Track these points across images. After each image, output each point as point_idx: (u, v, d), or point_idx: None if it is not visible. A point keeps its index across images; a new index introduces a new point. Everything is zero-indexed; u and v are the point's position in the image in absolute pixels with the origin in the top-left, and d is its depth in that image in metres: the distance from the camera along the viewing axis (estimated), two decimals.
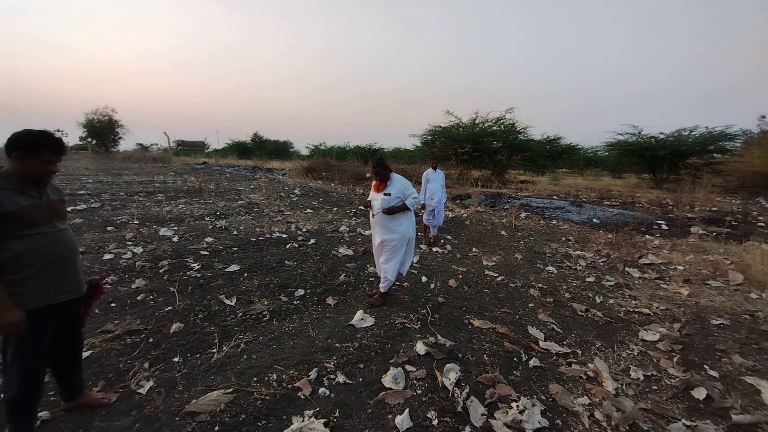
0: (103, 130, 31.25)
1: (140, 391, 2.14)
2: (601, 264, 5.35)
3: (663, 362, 2.80)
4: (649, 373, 2.65)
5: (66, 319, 1.80)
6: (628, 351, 2.97)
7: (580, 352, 2.91)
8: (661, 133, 15.61)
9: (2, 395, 1.88)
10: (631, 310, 3.76)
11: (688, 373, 2.63)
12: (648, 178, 17.53)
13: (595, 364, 2.68)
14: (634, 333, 3.29)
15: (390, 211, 3.37)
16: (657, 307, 3.81)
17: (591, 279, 4.68)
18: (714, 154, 14.94)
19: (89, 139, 31.38)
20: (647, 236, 6.97)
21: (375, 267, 3.86)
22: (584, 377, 2.56)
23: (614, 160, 19.48)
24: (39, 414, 1.84)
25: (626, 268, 5.11)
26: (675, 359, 2.82)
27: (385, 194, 3.41)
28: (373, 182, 3.56)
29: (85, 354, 2.35)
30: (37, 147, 1.60)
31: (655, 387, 2.51)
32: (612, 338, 3.18)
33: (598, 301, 4.00)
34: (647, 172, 17.10)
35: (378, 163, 3.43)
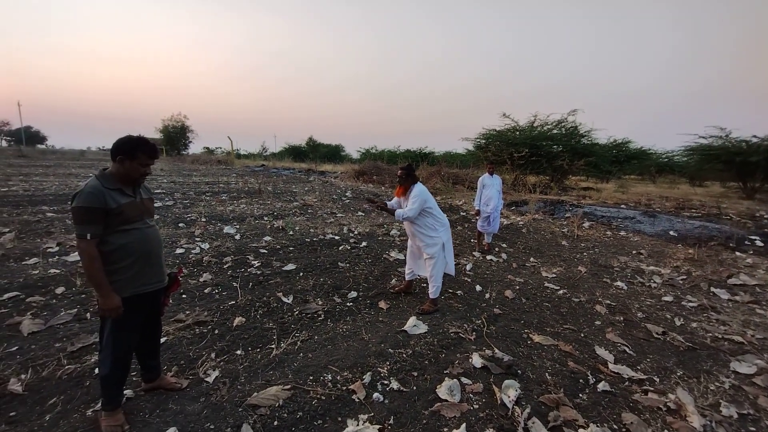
0: (176, 135, 34.54)
1: (207, 379, 2.28)
2: (681, 282, 4.79)
3: (762, 400, 2.42)
4: (745, 412, 2.31)
5: (151, 307, 1.98)
6: (717, 383, 2.61)
7: (657, 380, 2.62)
8: (755, 136, 13.71)
9: (97, 371, 2.11)
10: (720, 336, 3.32)
11: None
12: (736, 186, 15.49)
13: (677, 394, 2.39)
14: (724, 363, 2.89)
15: (381, 208, 3.51)
16: (752, 336, 3.32)
17: (668, 298, 4.21)
18: None
19: (164, 145, 34.84)
20: (737, 253, 6.14)
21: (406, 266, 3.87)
22: (664, 408, 2.28)
23: (695, 166, 17.46)
24: (125, 392, 2.04)
25: (712, 289, 4.53)
26: None
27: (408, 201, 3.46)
28: (397, 187, 3.61)
29: (161, 340, 2.57)
30: (136, 151, 1.79)
31: (753, 428, 2.17)
32: (696, 367, 2.82)
33: (677, 323, 3.58)
34: (735, 180, 15.11)
35: (403, 168, 3.51)
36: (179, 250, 4.79)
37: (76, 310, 3.09)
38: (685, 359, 2.93)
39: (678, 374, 2.70)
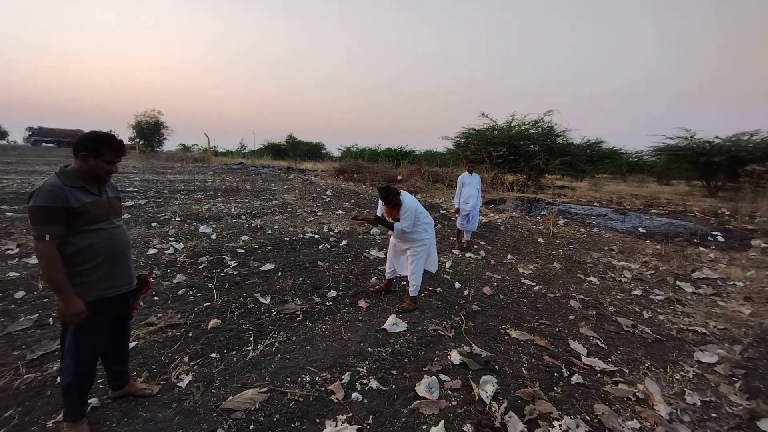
0: (150, 131, 33.30)
1: (180, 384, 2.20)
2: (649, 277, 5.00)
3: (723, 388, 2.55)
4: (708, 399, 2.43)
5: (118, 311, 1.89)
6: (682, 373, 2.74)
7: (627, 371, 2.72)
8: (717, 137, 14.45)
9: (59, 380, 2.00)
10: (685, 328, 3.48)
11: (752, 402, 2.38)
12: (700, 185, 16.29)
13: (645, 385, 2.48)
14: (689, 353, 3.03)
15: (376, 221, 3.46)
16: (714, 326, 3.50)
17: (638, 292, 4.38)
18: None
19: (137, 140, 33.50)
20: (701, 248, 6.46)
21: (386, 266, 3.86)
22: (633, 398, 2.37)
23: (663, 165, 18.24)
24: (90, 401, 1.94)
25: (677, 282, 4.74)
26: (737, 385, 2.57)
27: (403, 217, 3.40)
28: (385, 207, 3.50)
29: (130, 345, 2.46)
30: (101, 148, 1.70)
31: (714, 414, 2.29)
32: (663, 358, 2.94)
33: (646, 316, 3.73)
34: (699, 179, 15.88)
35: (384, 193, 3.36)
36: (152, 251, 4.62)
37: (37, 315, 2.93)
38: (652, 350, 3.05)
39: (646, 365, 2.81)
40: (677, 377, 2.67)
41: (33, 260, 4.04)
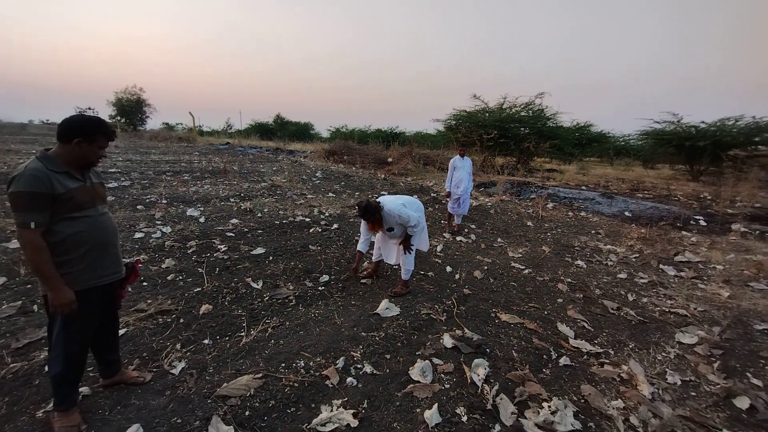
0: (131, 109, 32.06)
1: (173, 371, 2.19)
2: (634, 260, 5.13)
3: (702, 367, 2.67)
4: (687, 379, 2.53)
5: (107, 299, 1.84)
6: (663, 353, 2.85)
7: (612, 352, 2.81)
8: (703, 122, 14.66)
9: (47, 370, 1.96)
10: (667, 310, 3.60)
11: (729, 381, 2.49)
12: (683, 169, 16.63)
13: (629, 366, 2.57)
14: (670, 335, 3.15)
15: (409, 245, 3.42)
16: (695, 309, 3.63)
17: (623, 275, 4.50)
18: (759, 146, 13.96)
19: (118, 118, 32.27)
20: (684, 232, 6.64)
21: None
22: (618, 379, 2.47)
23: (649, 149, 18.51)
24: (80, 389, 1.92)
25: (661, 266, 4.88)
26: (715, 365, 2.68)
27: (388, 229, 3.40)
28: (366, 223, 3.46)
29: (120, 332, 2.43)
30: (96, 133, 1.64)
31: (693, 393, 2.40)
32: (646, 339, 3.05)
33: (630, 299, 3.84)
34: (684, 163, 16.19)
35: (363, 213, 3.27)
36: (138, 235, 4.52)
37: (20, 302, 2.85)
38: (636, 332, 3.16)
39: (630, 346, 2.92)
40: (659, 358, 2.78)
41: (13, 244, 3.91)
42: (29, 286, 3.12)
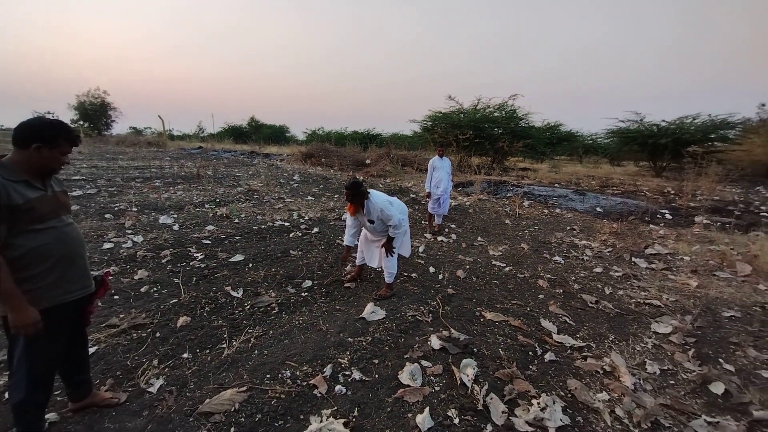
0: (95, 113, 30.55)
1: (150, 389, 2.07)
2: (608, 254, 5.31)
3: (678, 356, 2.78)
4: (666, 368, 2.63)
5: (75, 316, 1.71)
6: (642, 344, 2.95)
7: (594, 346, 2.89)
8: (663, 120, 15.48)
9: (7, 397, 1.80)
10: (642, 301, 3.74)
11: (704, 367, 2.61)
12: (648, 166, 17.47)
13: (611, 358, 2.65)
14: (647, 325, 3.26)
15: (390, 248, 3.39)
16: (667, 299, 3.79)
17: (599, 269, 4.65)
18: (715, 143, 14.87)
19: (81, 123, 30.66)
20: (652, 226, 6.94)
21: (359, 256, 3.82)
22: (601, 372, 2.53)
23: (615, 147, 19.37)
24: (46, 416, 1.77)
25: (633, 259, 5.08)
26: (690, 353, 2.80)
27: (369, 221, 3.37)
28: (348, 205, 3.42)
29: (90, 350, 2.27)
30: (57, 138, 1.52)
31: (672, 381, 2.49)
32: (625, 331, 3.15)
33: (607, 292, 3.97)
34: (647, 160, 17.02)
35: (350, 186, 3.27)
36: (107, 245, 4.27)
37: None
38: (615, 324, 3.26)
39: (610, 339, 3.00)
40: (638, 348, 2.88)
41: None
42: None
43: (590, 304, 3.62)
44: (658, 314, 3.48)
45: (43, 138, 1.50)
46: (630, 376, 2.43)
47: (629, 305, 3.66)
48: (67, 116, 30.01)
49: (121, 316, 2.81)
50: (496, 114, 15.95)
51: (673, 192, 10.46)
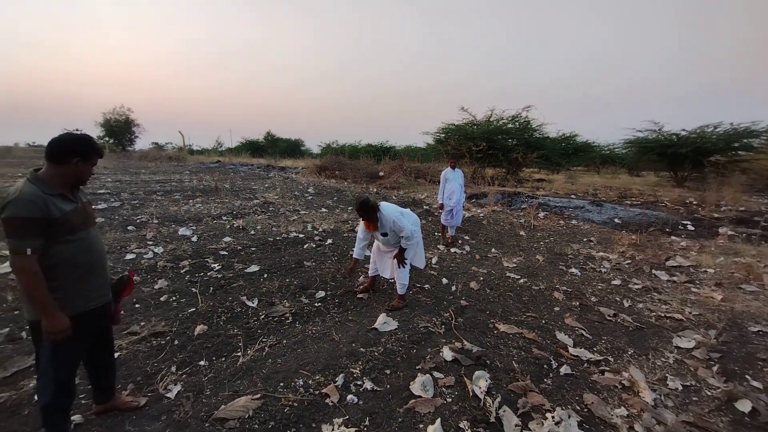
0: (120, 129, 31.96)
1: (168, 395, 2.13)
2: (627, 266, 5.19)
3: (701, 371, 2.68)
4: (688, 383, 2.54)
5: (99, 323, 1.80)
6: (663, 359, 2.85)
7: (612, 360, 2.81)
8: (683, 129, 15.13)
9: (36, 399, 1.89)
10: (663, 315, 3.62)
11: (729, 384, 2.50)
12: (668, 176, 17.03)
13: (630, 372, 2.58)
14: (668, 340, 3.16)
15: (402, 259, 3.40)
16: (689, 313, 3.67)
17: (617, 282, 4.54)
18: (738, 152, 14.41)
19: (106, 139, 32.07)
20: (673, 237, 6.75)
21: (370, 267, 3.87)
22: (619, 386, 2.46)
23: (633, 158, 18.99)
24: (72, 418, 1.85)
25: (653, 271, 4.94)
26: (714, 368, 2.70)
27: (382, 233, 3.40)
28: (362, 221, 3.47)
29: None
30: (90, 152, 1.65)
31: (695, 398, 2.40)
32: (644, 345, 3.06)
33: (626, 305, 3.87)
34: (667, 169, 16.60)
35: (359, 206, 3.28)
36: (129, 256, 4.44)
37: (8, 329, 2.76)
38: (634, 338, 3.17)
39: (629, 353, 2.92)
40: (659, 363, 2.79)
41: (1, 270, 3.81)
42: (16, 312, 3.03)
43: (608, 317, 3.54)
44: (680, 328, 3.37)
45: (80, 152, 1.61)
46: (650, 392, 2.36)
47: (649, 319, 3.55)
48: (93, 133, 31.50)
49: (142, 323, 2.90)
50: (509, 125, 15.93)
51: (695, 202, 10.15)
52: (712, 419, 2.18)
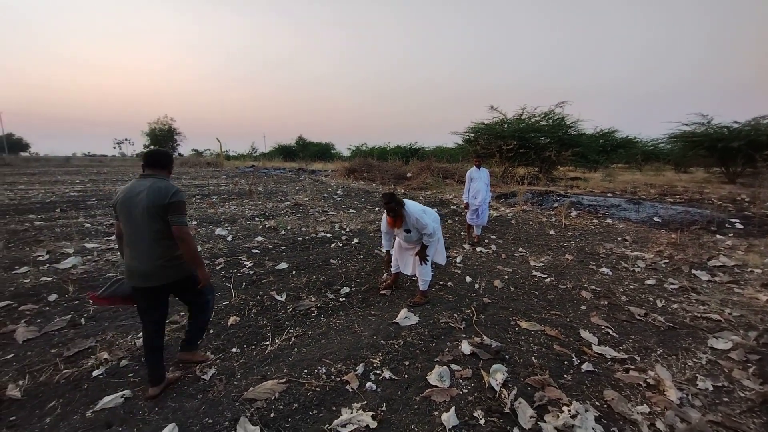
0: (164, 138, 34.17)
1: (204, 377, 2.34)
2: (663, 266, 4.95)
3: (736, 373, 2.56)
4: (720, 384, 2.44)
5: None
6: (694, 359, 2.74)
7: (638, 359, 2.74)
8: (735, 122, 14.05)
9: (197, 325, 2.44)
10: (699, 315, 3.46)
11: (766, 386, 2.38)
12: (719, 172, 15.88)
13: (656, 371, 2.51)
14: (702, 340, 3.03)
15: (424, 256, 3.48)
16: (729, 314, 3.47)
17: (651, 282, 4.36)
18: None
19: (152, 147, 34.40)
20: (718, 236, 6.34)
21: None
22: (643, 385, 2.40)
23: (679, 153, 17.83)
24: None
25: (693, 271, 4.69)
26: (750, 370, 2.57)
27: (405, 230, 3.46)
28: (387, 217, 3.51)
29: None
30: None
31: (726, 399, 2.30)
32: (676, 345, 2.95)
33: (659, 305, 3.72)
34: (718, 165, 15.47)
35: (388, 199, 3.35)
36: None
37: (70, 316, 3.12)
38: (665, 338, 3.06)
39: (658, 352, 2.83)
40: (689, 364, 2.68)
41: (63, 265, 4.27)
42: (77, 302, 3.40)
43: (638, 317, 3.43)
44: (717, 329, 3.21)
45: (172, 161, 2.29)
46: (676, 390, 2.29)
47: (683, 319, 3.40)
48: (140, 142, 33.90)
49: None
50: (542, 123, 15.49)
51: (746, 199, 9.43)
52: (742, 420, 2.09)
